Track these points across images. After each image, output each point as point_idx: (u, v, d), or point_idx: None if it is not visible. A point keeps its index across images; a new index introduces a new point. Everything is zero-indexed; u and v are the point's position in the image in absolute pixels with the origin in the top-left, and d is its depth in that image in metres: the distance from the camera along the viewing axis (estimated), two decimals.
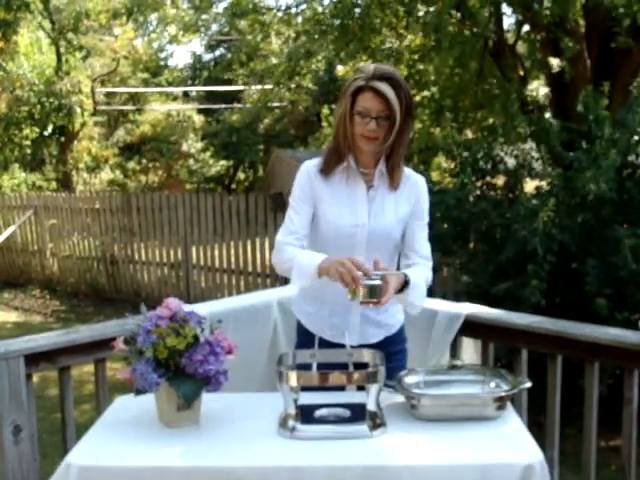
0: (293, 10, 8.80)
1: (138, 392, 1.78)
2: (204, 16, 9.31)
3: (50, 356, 2.29)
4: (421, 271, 2.11)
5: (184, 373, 1.75)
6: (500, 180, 5.00)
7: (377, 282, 1.87)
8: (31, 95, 16.03)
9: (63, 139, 17.85)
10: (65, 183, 17.47)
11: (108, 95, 22.11)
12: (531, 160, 4.89)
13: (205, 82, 26.67)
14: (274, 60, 9.60)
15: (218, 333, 1.82)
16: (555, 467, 2.50)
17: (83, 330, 2.48)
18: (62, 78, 16.47)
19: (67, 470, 1.65)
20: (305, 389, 1.83)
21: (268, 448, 1.71)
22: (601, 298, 3.94)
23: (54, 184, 17.18)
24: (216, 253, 8.09)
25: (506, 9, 7.34)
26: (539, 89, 7.15)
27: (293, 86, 10.70)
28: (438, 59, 7.66)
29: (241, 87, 19.82)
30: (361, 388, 1.88)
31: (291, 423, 1.76)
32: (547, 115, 6.52)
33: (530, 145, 5.09)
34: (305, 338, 2.20)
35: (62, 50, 17.08)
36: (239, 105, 23.28)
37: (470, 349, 2.66)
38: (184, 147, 22.64)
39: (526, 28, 7.58)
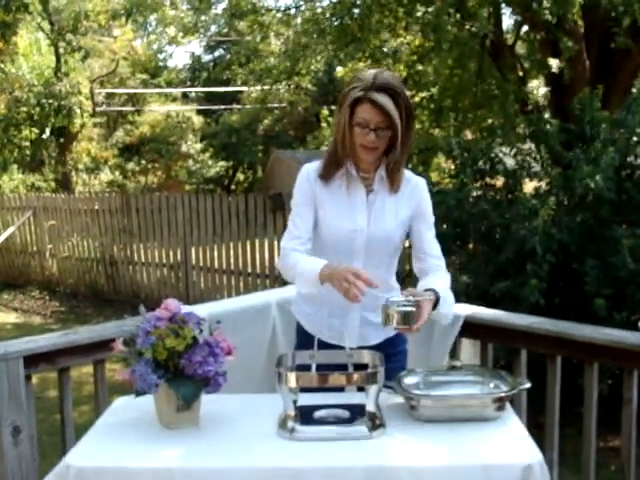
0: (292, 11, 8.81)
1: (138, 393, 1.78)
2: (203, 17, 9.31)
3: (49, 357, 2.29)
4: (443, 278, 2.09)
5: (183, 374, 1.75)
6: (499, 181, 5.00)
7: (411, 309, 1.85)
8: (30, 96, 16.03)
9: (62, 140, 17.85)
10: (64, 184, 17.47)
11: (107, 96, 22.12)
12: (530, 161, 4.89)
13: (204, 83, 26.68)
14: (273, 60, 9.59)
15: (217, 334, 1.82)
16: (555, 468, 2.50)
17: (82, 331, 2.48)
18: (61, 79, 16.47)
19: (66, 471, 1.65)
20: (304, 390, 1.83)
21: (267, 449, 1.70)
22: (600, 298, 3.94)
23: (53, 185, 17.18)
24: (215, 254, 8.09)
25: (505, 9, 7.34)
26: (538, 89, 7.15)
27: (292, 87, 10.70)
28: (437, 60, 7.67)
29: (240, 88, 19.83)
30: (361, 389, 1.88)
31: (290, 424, 1.76)
32: (547, 115, 6.52)
33: (529, 145, 5.09)
34: (304, 339, 2.20)
35: (61, 51, 17.08)
36: (238, 106, 23.29)
37: (469, 350, 2.66)
38: (183, 148, 22.65)
39: (525, 28, 7.59)
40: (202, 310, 2.24)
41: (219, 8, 9.68)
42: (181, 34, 9.43)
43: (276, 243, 7.26)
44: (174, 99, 25.89)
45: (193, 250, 8.32)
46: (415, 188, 2.12)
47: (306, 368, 1.89)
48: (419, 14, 6.56)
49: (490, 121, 7.69)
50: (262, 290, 5.78)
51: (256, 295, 3.04)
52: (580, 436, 2.45)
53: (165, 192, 15.97)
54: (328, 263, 1.96)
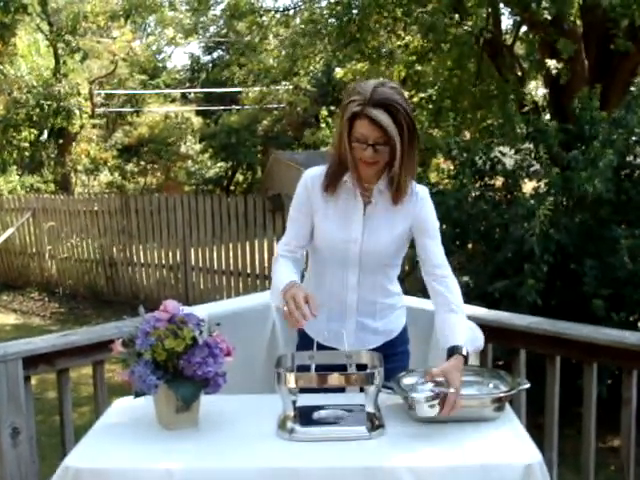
0: (291, 12, 8.81)
1: (137, 394, 1.78)
2: (202, 18, 9.31)
3: (48, 358, 2.29)
4: (461, 312, 2.00)
5: (182, 375, 1.75)
6: (498, 181, 5.00)
7: (435, 403, 1.73)
8: (29, 97, 16.03)
9: (61, 141, 17.86)
10: (63, 185, 17.48)
11: (106, 97, 22.12)
12: (530, 161, 4.89)
13: (203, 84, 26.69)
14: (271, 61, 9.60)
15: (217, 335, 1.82)
16: (554, 468, 2.50)
17: (81, 332, 2.48)
18: (60, 80, 16.48)
19: (66, 472, 1.65)
20: (304, 391, 1.83)
21: (267, 450, 1.71)
22: (598, 299, 3.94)
23: (52, 186, 17.18)
24: (215, 255, 8.08)
25: (504, 10, 7.35)
26: (536, 90, 7.16)
27: (291, 87, 10.72)
28: (437, 60, 7.68)
29: (239, 89, 19.83)
30: (362, 390, 1.88)
31: (290, 425, 1.76)
32: (546, 116, 6.52)
33: (528, 146, 5.09)
34: (304, 341, 2.20)
35: (60, 52, 17.08)
36: (237, 107, 23.29)
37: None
38: (182, 149, 22.65)
39: (524, 29, 7.60)
40: (201, 311, 2.24)
41: (218, 9, 9.69)
42: (180, 35, 9.44)
43: (275, 244, 7.25)
44: (173, 100, 25.90)
45: (192, 251, 8.32)
46: (415, 201, 2.05)
47: (305, 369, 1.89)
48: (415, 15, 6.57)
49: (489, 121, 7.69)
50: (261, 291, 5.77)
51: (255, 296, 3.03)
52: (579, 436, 2.45)
53: (164, 193, 15.98)
54: (294, 282, 1.95)
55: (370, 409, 1.79)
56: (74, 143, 18.67)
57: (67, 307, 9.10)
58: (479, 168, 4.89)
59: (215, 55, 27.89)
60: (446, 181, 5.18)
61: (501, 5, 7.03)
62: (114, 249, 9.13)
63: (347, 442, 1.72)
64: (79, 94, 16.70)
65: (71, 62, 17.46)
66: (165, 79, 25.78)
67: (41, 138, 16.72)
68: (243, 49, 10.71)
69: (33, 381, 2.35)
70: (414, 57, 8.75)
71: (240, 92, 20.62)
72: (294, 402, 1.79)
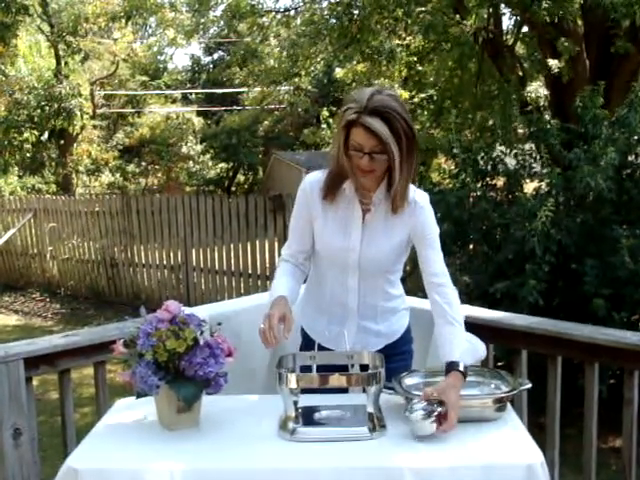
0: (292, 12, 8.82)
1: (139, 395, 1.78)
2: (202, 19, 9.32)
3: (50, 359, 2.29)
4: (459, 324, 1.97)
5: (184, 376, 1.75)
6: (500, 181, 5.00)
7: (432, 421, 1.71)
8: (30, 98, 16.04)
9: (62, 142, 17.87)
10: (65, 186, 17.49)
11: (107, 98, 22.13)
12: (531, 161, 4.89)
13: (204, 85, 26.71)
14: (272, 62, 9.60)
15: (218, 335, 1.82)
16: (555, 468, 2.50)
17: (83, 333, 2.48)
18: (61, 81, 16.49)
19: (67, 473, 1.65)
20: (305, 391, 1.83)
21: (268, 450, 1.71)
22: (599, 299, 3.94)
23: (54, 187, 17.20)
24: (216, 255, 8.09)
25: (505, 10, 7.35)
26: (536, 90, 7.16)
27: (291, 88, 10.72)
28: (438, 61, 7.68)
29: (240, 89, 19.84)
30: (364, 390, 1.88)
31: (291, 425, 1.76)
32: (547, 116, 6.52)
33: (530, 146, 5.09)
34: (307, 342, 2.21)
35: (61, 53, 17.09)
36: (238, 107, 23.30)
37: None
38: (183, 149, 22.66)
39: (525, 29, 7.60)
40: (203, 311, 2.24)
41: (218, 10, 9.69)
42: (181, 36, 9.44)
43: (277, 244, 7.26)
44: (174, 101, 25.91)
45: (194, 251, 8.32)
46: (414, 209, 2.03)
47: (307, 370, 1.90)
48: (415, 14, 6.57)
49: (491, 122, 7.69)
50: (263, 291, 5.78)
51: (257, 296, 3.03)
52: (581, 436, 2.45)
53: (165, 194, 15.99)
54: (280, 297, 1.98)
55: (371, 409, 1.79)
56: (75, 144, 18.68)
57: (68, 308, 9.10)
58: (480, 168, 4.89)
59: (216, 56, 27.92)
60: (447, 181, 5.18)
61: (502, 5, 7.03)
62: (115, 250, 9.14)
63: (349, 442, 1.72)
64: (80, 95, 16.71)
65: (72, 63, 17.48)
66: (166, 80, 25.79)
67: (42, 138, 16.71)
68: (244, 50, 10.73)
69: (35, 382, 2.36)
70: (415, 57, 8.76)
71: (241, 93, 20.63)
72: (295, 402, 1.79)
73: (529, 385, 1.98)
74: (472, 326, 2.48)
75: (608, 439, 4.03)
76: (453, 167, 5.03)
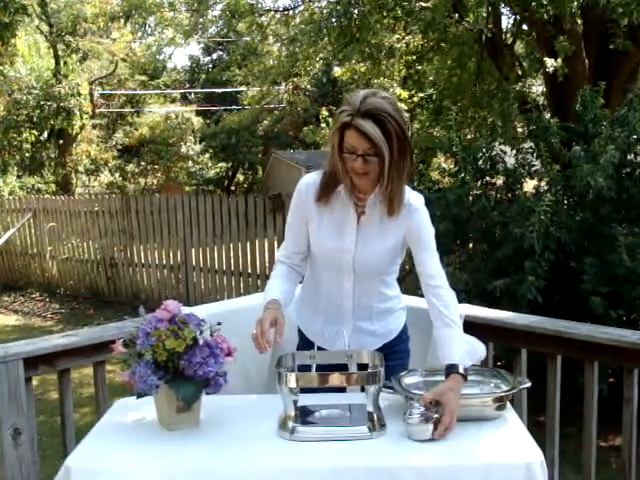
0: (291, 12, 8.81)
1: (139, 395, 1.78)
2: (201, 19, 9.32)
3: (49, 359, 2.28)
4: (457, 325, 1.97)
5: (183, 375, 1.75)
6: (499, 180, 5.00)
7: (430, 426, 1.72)
8: (30, 98, 16.04)
9: (62, 142, 17.87)
10: (64, 186, 17.49)
11: (106, 98, 22.13)
12: (530, 159, 4.89)
13: (203, 85, 26.70)
14: (272, 61, 9.61)
15: (217, 335, 1.82)
16: (555, 467, 2.50)
17: (82, 333, 2.48)
18: (60, 81, 16.48)
19: (67, 473, 1.65)
20: (305, 391, 1.83)
21: (268, 450, 1.71)
22: (596, 297, 3.94)
23: (53, 187, 17.19)
24: (215, 255, 8.09)
25: (504, 9, 7.35)
26: (536, 88, 7.16)
27: (291, 87, 10.72)
28: (437, 60, 7.67)
29: (239, 89, 19.84)
30: (362, 389, 1.88)
31: (291, 425, 1.76)
32: (547, 115, 6.52)
33: (530, 145, 5.09)
34: (304, 342, 2.21)
35: (60, 53, 17.09)
36: (238, 107, 23.30)
37: None
38: (183, 149, 22.66)
39: (524, 28, 7.60)
40: (202, 311, 2.24)
41: (217, 9, 9.69)
42: (179, 35, 9.44)
43: (276, 244, 7.25)
44: (173, 100, 25.91)
45: (193, 251, 8.32)
46: (409, 212, 2.02)
47: (304, 369, 1.89)
48: (416, 10, 6.56)
49: (490, 120, 7.69)
50: (262, 291, 5.77)
51: (256, 296, 3.03)
52: (581, 435, 2.45)
53: (165, 193, 15.98)
54: (273, 301, 1.99)
55: (371, 409, 1.79)
56: (74, 144, 18.68)
57: (68, 308, 9.10)
58: (480, 167, 4.89)
59: (215, 56, 27.91)
60: (447, 179, 5.18)
61: (501, 4, 7.03)
62: (115, 249, 9.13)
63: (348, 442, 1.72)
64: (79, 95, 16.71)
65: (71, 63, 17.48)
66: (165, 80, 25.79)
67: (41, 138, 16.71)
68: (243, 49, 10.73)
69: (34, 382, 2.35)
70: (414, 57, 8.76)
71: (240, 92, 20.62)
72: (295, 402, 1.79)
73: (529, 384, 1.98)
74: (472, 325, 2.49)
75: (608, 438, 4.03)
76: (453, 165, 5.03)
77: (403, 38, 8.34)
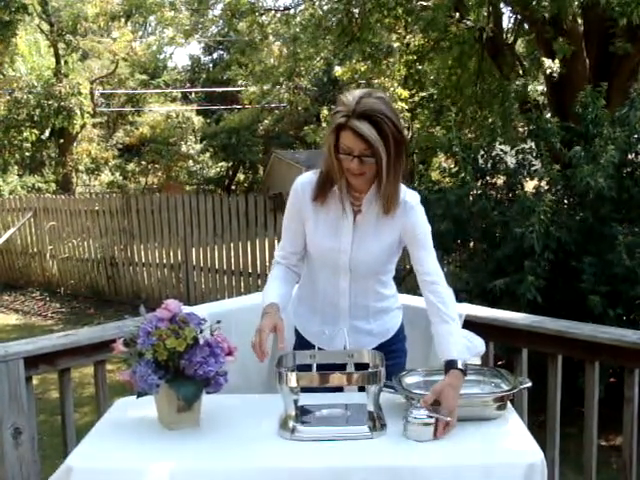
0: (292, 11, 8.81)
1: (140, 395, 1.78)
2: (202, 19, 9.31)
3: (50, 358, 2.28)
4: (455, 321, 1.98)
5: (184, 375, 1.75)
6: (500, 180, 5.00)
7: (430, 428, 1.73)
8: (30, 97, 16.04)
9: (62, 141, 17.87)
10: (64, 185, 17.49)
11: (107, 97, 22.13)
12: (531, 160, 4.89)
13: (204, 84, 26.70)
14: (272, 61, 9.60)
15: (218, 334, 1.82)
16: (556, 466, 2.50)
17: (83, 332, 2.48)
18: (61, 80, 16.49)
19: (67, 472, 1.65)
20: (305, 390, 1.83)
21: (268, 449, 1.70)
22: (595, 296, 3.94)
23: (54, 186, 17.20)
24: (216, 254, 8.09)
25: (505, 9, 7.35)
26: (537, 87, 7.14)
27: (291, 86, 10.72)
28: (439, 59, 7.66)
29: (240, 88, 19.83)
30: (361, 389, 1.88)
31: (291, 424, 1.76)
32: (547, 115, 6.51)
33: (530, 145, 5.09)
34: (300, 341, 2.21)
35: (61, 52, 17.09)
36: (238, 106, 23.30)
37: None
38: (183, 148, 22.67)
39: (525, 27, 7.59)
40: (203, 310, 2.24)
41: (218, 8, 9.69)
42: (180, 35, 9.43)
43: (276, 243, 7.24)
44: (174, 100, 25.91)
45: (193, 250, 8.32)
46: (404, 210, 2.03)
47: (304, 368, 1.89)
48: (417, 11, 6.56)
49: (490, 120, 7.68)
50: (262, 290, 5.77)
51: (256, 295, 3.03)
52: (581, 435, 2.45)
53: (165, 193, 15.98)
54: (271, 305, 1.98)
55: (372, 408, 1.79)
56: (75, 143, 18.68)
57: (68, 307, 9.10)
58: (480, 166, 4.89)
59: (215, 55, 27.92)
60: (447, 179, 5.18)
61: (502, 4, 7.02)
62: (115, 249, 9.13)
63: (349, 441, 1.72)
64: (80, 94, 16.71)
65: (72, 62, 17.48)
66: (166, 79, 25.79)
67: (42, 137, 16.71)
68: (244, 47, 10.71)
69: (35, 381, 2.35)
70: (415, 56, 8.75)
71: (240, 92, 20.62)
72: (296, 401, 1.79)
73: (529, 384, 1.98)
74: (472, 324, 2.49)
75: (609, 437, 4.03)
76: (453, 165, 5.02)
77: (404, 37, 8.34)
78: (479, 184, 4.86)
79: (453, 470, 1.64)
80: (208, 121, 24.80)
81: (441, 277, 2.03)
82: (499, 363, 4.01)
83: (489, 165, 4.94)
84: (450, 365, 1.84)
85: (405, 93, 9.57)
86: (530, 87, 6.45)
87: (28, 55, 17.06)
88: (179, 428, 1.80)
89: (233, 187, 24.80)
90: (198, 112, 24.68)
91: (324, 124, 17.41)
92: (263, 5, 8.91)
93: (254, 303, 2.72)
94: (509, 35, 7.78)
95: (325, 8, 7.97)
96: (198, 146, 23.09)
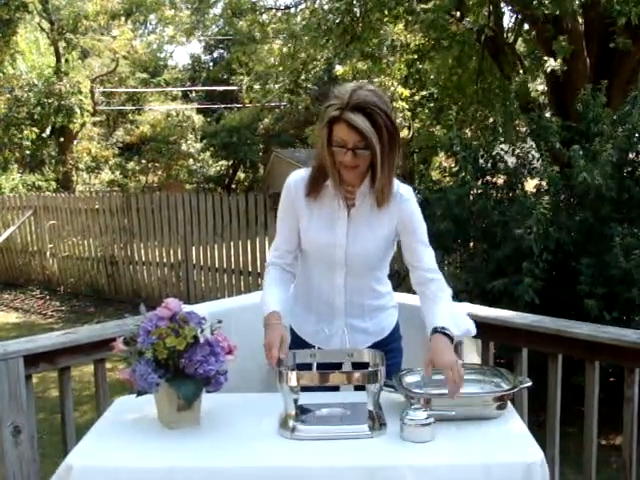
0: (292, 10, 8.80)
1: (140, 393, 1.77)
2: (202, 17, 9.31)
3: (49, 357, 2.28)
4: (442, 297, 2.01)
5: (184, 374, 1.75)
6: (500, 179, 5.00)
7: (427, 429, 1.73)
8: (30, 96, 16.03)
9: (62, 139, 17.86)
10: (65, 183, 17.49)
11: (107, 95, 22.12)
12: (531, 159, 4.89)
13: (204, 83, 26.68)
14: (272, 60, 9.59)
15: (218, 333, 1.82)
16: (556, 466, 2.50)
17: (83, 331, 2.48)
18: (61, 78, 16.48)
19: (67, 471, 1.65)
20: (305, 389, 1.83)
21: (268, 448, 1.70)
22: (590, 299, 3.93)
23: (54, 184, 17.19)
24: (216, 253, 8.09)
25: (505, 8, 7.34)
26: (537, 86, 7.15)
27: (292, 86, 10.71)
28: (439, 59, 7.65)
29: (233, 88, 19.83)
30: (360, 388, 1.88)
31: (291, 423, 1.76)
32: (547, 114, 6.51)
33: (530, 144, 5.08)
34: (295, 339, 2.19)
35: (61, 50, 17.08)
36: (238, 105, 23.29)
37: (470, 348, 2.66)
38: (184, 147, 22.65)
39: (525, 27, 7.58)
40: (203, 309, 2.23)
41: (218, 7, 9.69)
42: (180, 33, 9.43)
43: None
44: (174, 98, 25.89)
45: (194, 249, 8.32)
46: (399, 202, 2.03)
47: (304, 367, 1.89)
48: (417, 10, 6.55)
49: (491, 120, 7.69)
50: (261, 295, 5.77)
51: (257, 294, 3.03)
52: (581, 434, 2.45)
53: (165, 191, 15.98)
54: (272, 314, 1.97)
55: (371, 408, 1.79)
56: (75, 141, 18.67)
57: (68, 305, 9.11)
58: (481, 166, 4.89)
59: (216, 54, 27.90)
60: (447, 179, 5.17)
61: (502, 4, 7.02)
62: (115, 247, 9.14)
63: (349, 441, 1.72)
64: (80, 92, 16.70)
65: (72, 60, 17.47)
66: (166, 77, 25.77)
67: (43, 135, 16.70)
68: (245, 43, 10.70)
69: (34, 379, 2.35)
70: (415, 55, 8.75)
71: (241, 90, 20.60)
72: (296, 400, 1.79)
73: (529, 383, 1.98)
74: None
75: (609, 437, 4.03)
76: (453, 165, 5.02)
77: (405, 37, 8.33)
78: (479, 183, 4.86)
79: (453, 469, 1.64)
80: (208, 120, 24.77)
81: (440, 274, 2.05)
82: (499, 362, 4.00)
83: (489, 164, 4.94)
84: (435, 331, 1.88)
85: (406, 92, 9.57)
86: (530, 86, 6.45)
87: (28, 53, 17.05)
88: (179, 427, 1.79)
89: (233, 186, 24.79)
90: (198, 111, 24.65)
91: None
92: (264, 4, 8.91)
93: (254, 302, 2.72)
94: (510, 34, 7.77)
95: (326, 7, 7.96)
96: (198, 145, 23.06)
